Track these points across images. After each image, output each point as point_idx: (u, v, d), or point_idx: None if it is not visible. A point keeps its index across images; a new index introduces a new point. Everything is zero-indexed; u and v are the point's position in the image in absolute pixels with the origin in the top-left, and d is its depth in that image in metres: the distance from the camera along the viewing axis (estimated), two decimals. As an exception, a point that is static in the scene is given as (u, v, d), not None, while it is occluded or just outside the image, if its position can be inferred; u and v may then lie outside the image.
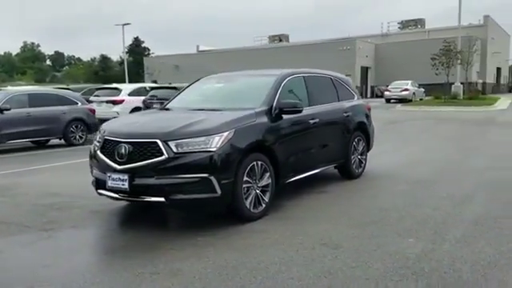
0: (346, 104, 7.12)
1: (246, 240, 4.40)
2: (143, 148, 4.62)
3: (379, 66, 45.68)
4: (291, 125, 5.65)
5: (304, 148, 5.94)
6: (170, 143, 4.56)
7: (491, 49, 49.90)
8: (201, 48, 63.18)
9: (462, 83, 32.03)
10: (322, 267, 3.69)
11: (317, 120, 6.13)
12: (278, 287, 3.36)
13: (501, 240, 4.25)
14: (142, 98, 18.04)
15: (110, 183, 4.74)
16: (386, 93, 33.93)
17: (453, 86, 31.32)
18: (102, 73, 78.24)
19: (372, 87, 48.55)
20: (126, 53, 52.04)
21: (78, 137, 13.17)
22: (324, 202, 5.89)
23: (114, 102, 18.14)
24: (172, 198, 4.54)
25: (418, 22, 57.01)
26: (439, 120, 17.67)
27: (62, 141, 12.99)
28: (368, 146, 7.63)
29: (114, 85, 20.75)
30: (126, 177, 4.61)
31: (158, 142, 4.57)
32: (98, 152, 5.01)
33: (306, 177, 6.09)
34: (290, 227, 4.76)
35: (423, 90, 35.58)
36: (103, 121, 15.79)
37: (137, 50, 72.41)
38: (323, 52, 43.67)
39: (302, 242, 4.31)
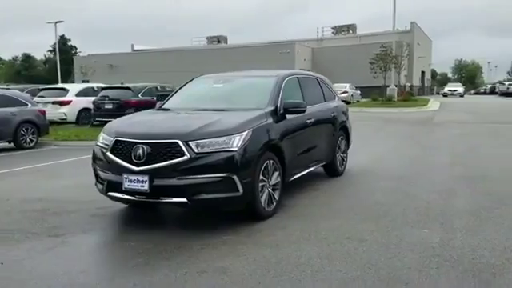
0: (332, 104, 7.40)
1: (272, 237, 4.48)
2: (163, 149, 4.56)
3: (316, 70, 46.85)
4: (294, 124, 5.79)
5: (304, 147, 6.10)
6: (190, 143, 4.54)
7: (417, 53, 53.14)
8: (136, 47, 61.51)
9: (395, 86, 33.90)
10: (360, 259, 3.86)
11: (313, 120, 6.32)
12: (331, 279, 3.49)
13: (502, 228, 4.66)
14: (90, 98, 17.42)
15: (126, 185, 4.62)
16: (327, 95, 35.00)
17: (388, 88, 33.09)
18: (25, 72, 73.91)
19: (310, 89, 49.83)
20: (52, 51, 49.30)
21: (28, 140, 12.46)
22: (321, 199, 6.06)
23: (61, 103, 17.38)
24: (195, 198, 4.53)
25: (350, 28, 59.49)
26: (385, 121, 18.60)
27: (11, 144, 12.22)
28: (348, 145, 7.97)
29: (61, 85, 19.86)
30: (146, 178, 4.52)
31: (179, 142, 4.54)
32: (109, 153, 4.85)
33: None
34: (305, 224, 4.90)
35: (359, 92, 37.22)
36: (51, 123, 15.19)
37: (63, 49, 69.10)
38: (263, 54, 44.24)
39: (327, 236, 4.47)
